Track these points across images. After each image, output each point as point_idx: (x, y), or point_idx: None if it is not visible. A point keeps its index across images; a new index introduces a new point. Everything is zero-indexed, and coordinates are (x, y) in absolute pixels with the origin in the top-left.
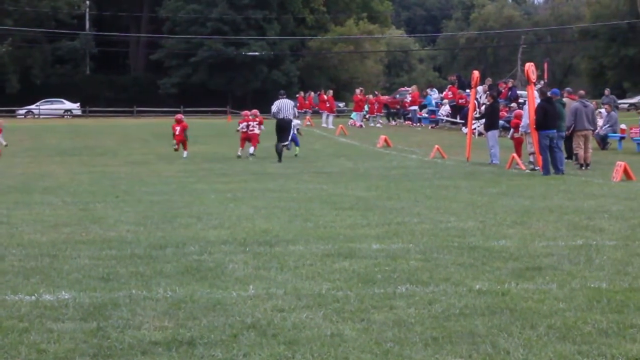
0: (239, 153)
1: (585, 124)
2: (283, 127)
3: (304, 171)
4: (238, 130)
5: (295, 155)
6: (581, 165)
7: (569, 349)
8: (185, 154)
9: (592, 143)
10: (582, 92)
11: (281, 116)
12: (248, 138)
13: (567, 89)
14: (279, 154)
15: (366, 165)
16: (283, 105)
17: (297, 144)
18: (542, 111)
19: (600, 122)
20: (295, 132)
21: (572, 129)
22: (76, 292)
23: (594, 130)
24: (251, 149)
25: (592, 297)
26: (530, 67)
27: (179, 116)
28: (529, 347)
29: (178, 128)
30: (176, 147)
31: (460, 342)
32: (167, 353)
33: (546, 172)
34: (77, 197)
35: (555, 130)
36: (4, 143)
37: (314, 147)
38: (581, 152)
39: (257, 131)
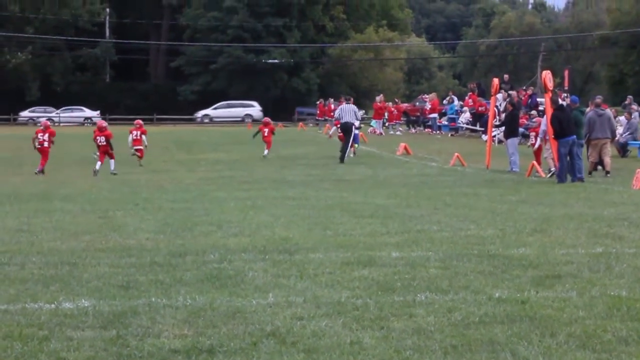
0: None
1: (598, 133)
2: (345, 130)
3: (324, 179)
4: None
5: (353, 153)
6: (590, 173)
7: (589, 357)
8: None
9: (612, 150)
10: (597, 100)
11: (344, 120)
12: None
13: (599, 97)
14: (342, 154)
15: (386, 173)
16: (345, 110)
17: (356, 142)
18: (556, 120)
19: (620, 129)
20: (357, 131)
21: (587, 137)
22: (96, 300)
23: (612, 138)
24: (265, 152)
25: (612, 305)
26: (547, 74)
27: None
28: (549, 355)
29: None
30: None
31: (479, 351)
32: None
33: (561, 179)
34: (97, 205)
35: (574, 137)
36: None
37: (334, 155)
38: (592, 160)
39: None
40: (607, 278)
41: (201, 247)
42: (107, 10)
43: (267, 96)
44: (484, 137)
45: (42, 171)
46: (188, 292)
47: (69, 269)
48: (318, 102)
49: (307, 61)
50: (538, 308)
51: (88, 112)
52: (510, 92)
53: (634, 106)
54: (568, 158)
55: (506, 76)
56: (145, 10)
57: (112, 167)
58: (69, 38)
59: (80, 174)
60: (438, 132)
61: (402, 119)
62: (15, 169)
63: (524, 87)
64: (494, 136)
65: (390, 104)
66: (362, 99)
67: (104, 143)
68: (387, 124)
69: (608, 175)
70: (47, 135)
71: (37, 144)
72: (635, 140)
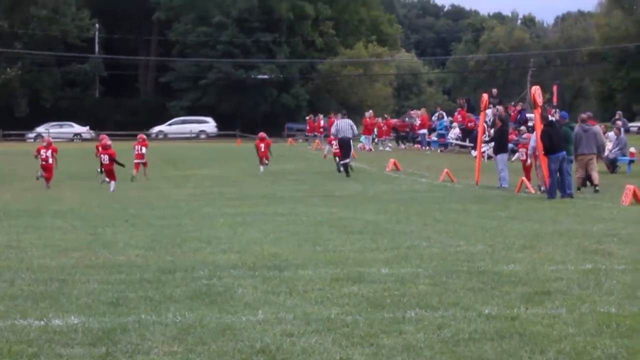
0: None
1: (584, 148)
2: (342, 145)
3: (313, 195)
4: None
5: (351, 168)
6: (578, 188)
7: None
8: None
9: (601, 166)
10: (583, 115)
11: (340, 135)
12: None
13: (588, 113)
14: (340, 167)
15: (375, 189)
16: (342, 125)
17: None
18: (546, 136)
19: (609, 145)
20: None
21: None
22: (85, 316)
23: (598, 154)
24: (261, 168)
25: (601, 322)
26: (536, 90)
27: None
28: None
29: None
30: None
31: None
32: None
33: (551, 195)
34: (87, 222)
35: (564, 153)
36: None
37: (323, 171)
38: (578, 175)
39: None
40: (597, 295)
41: (190, 263)
42: (97, 25)
43: (256, 112)
44: (474, 153)
45: (48, 187)
46: (177, 309)
47: (58, 286)
48: (308, 118)
49: (297, 77)
50: (528, 325)
51: (77, 128)
52: (497, 106)
53: (619, 122)
54: (558, 174)
55: (494, 90)
56: (134, 25)
57: (112, 188)
58: (58, 54)
59: (70, 191)
60: (427, 148)
61: (391, 134)
62: (5, 185)
63: (513, 103)
64: (484, 152)
65: (380, 119)
66: (352, 115)
67: (107, 162)
68: (376, 140)
69: (597, 189)
70: (49, 151)
71: (40, 160)
72: (624, 156)
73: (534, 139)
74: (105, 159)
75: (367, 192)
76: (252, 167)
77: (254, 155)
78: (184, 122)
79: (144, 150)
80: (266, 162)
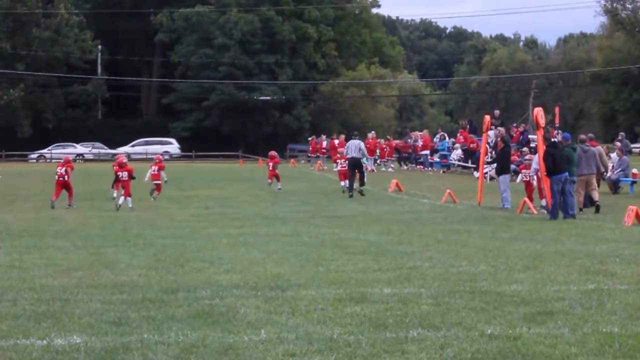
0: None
1: (583, 169)
2: (352, 165)
3: (316, 215)
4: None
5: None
6: (580, 209)
7: None
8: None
9: (603, 186)
10: (582, 136)
11: (350, 155)
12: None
13: (590, 135)
14: (348, 188)
15: (378, 210)
16: (351, 146)
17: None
18: (549, 157)
19: (611, 166)
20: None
21: None
22: (88, 336)
23: (601, 174)
24: (278, 185)
25: (604, 342)
26: (539, 112)
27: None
28: None
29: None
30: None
31: None
32: None
33: (553, 216)
34: (89, 242)
35: (566, 174)
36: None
37: (326, 191)
38: (579, 198)
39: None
40: (599, 315)
41: (193, 283)
42: (99, 47)
43: (258, 133)
44: (476, 174)
45: (71, 205)
46: (180, 329)
47: (60, 305)
48: (310, 139)
49: (299, 98)
50: (530, 345)
51: (80, 149)
52: (499, 127)
53: (618, 143)
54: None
55: (497, 112)
56: (137, 47)
57: (120, 202)
58: (61, 75)
59: (72, 211)
60: (430, 168)
61: (393, 155)
62: (7, 206)
63: (515, 124)
64: (486, 173)
65: (382, 140)
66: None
67: (126, 178)
68: (378, 161)
69: (598, 205)
70: (65, 169)
71: (57, 177)
72: (627, 177)
73: (536, 161)
74: (125, 175)
75: (370, 212)
76: (254, 188)
77: (256, 176)
78: (147, 143)
79: (162, 172)
80: (271, 181)
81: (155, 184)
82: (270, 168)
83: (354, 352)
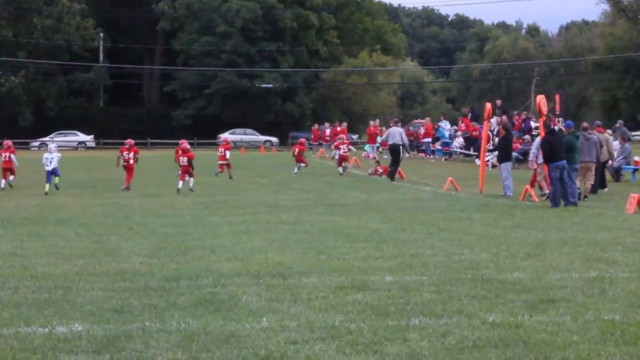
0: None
1: (585, 156)
2: (392, 151)
3: (318, 203)
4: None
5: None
6: (585, 196)
7: None
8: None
9: (607, 175)
10: (585, 124)
11: (390, 142)
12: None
13: (597, 122)
14: (341, 172)
15: (380, 198)
16: (391, 133)
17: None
18: (547, 144)
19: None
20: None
21: None
22: (89, 324)
23: (604, 163)
24: (296, 169)
25: (605, 330)
26: (541, 99)
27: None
28: None
29: (184, 158)
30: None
31: None
32: None
33: (554, 204)
34: (91, 229)
35: (564, 162)
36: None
37: (328, 179)
38: (587, 184)
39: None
40: (601, 302)
41: (195, 271)
42: (101, 34)
43: (260, 120)
44: (478, 162)
45: (128, 188)
46: (182, 317)
47: (62, 293)
48: (313, 127)
49: (301, 86)
50: (532, 332)
51: (82, 137)
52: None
53: (609, 131)
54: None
55: (499, 102)
56: (138, 35)
57: (191, 184)
58: (63, 62)
59: (74, 198)
60: (432, 156)
61: None
62: (9, 193)
63: (517, 112)
64: (488, 161)
65: (384, 128)
66: (356, 124)
67: (186, 163)
68: (380, 149)
69: (585, 200)
70: (132, 153)
71: (122, 161)
72: (628, 164)
73: (535, 146)
74: (184, 160)
75: (372, 200)
76: (255, 176)
77: (257, 164)
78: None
79: (227, 153)
80: (301, 165)
81: (224, 164)
82: (295, 153)
83: (356, 340)
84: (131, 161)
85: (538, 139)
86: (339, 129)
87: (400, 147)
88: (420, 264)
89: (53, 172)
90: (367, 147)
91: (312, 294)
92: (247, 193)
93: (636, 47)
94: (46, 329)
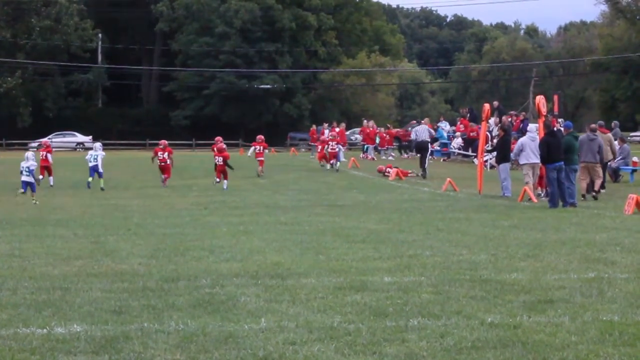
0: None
1: (586, 156)
2: (420, 148)
3: (316, 204)
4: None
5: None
6: (583, 195)
7: None
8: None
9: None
10: (592, 125)
11: (419, 139)
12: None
13: (600, 122)
14: (329, 166)
15: (378, 198)
16: (419, 130)
17: (339, 159)
18: (545, 145)
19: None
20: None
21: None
22: (88, 325)
23: (605, 164)
24: (328, 165)
25: (604, 330)
26: (540, 100)
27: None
28: None
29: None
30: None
31: None
32: None
33: (552, 205)
34: (89, 230)
35: (561, 163)
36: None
37: (326, 180)
38: (582, 184)
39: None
40: (600, 303)
41: (193, 272)
42: (100, 35)
43: (259, 121)
44: (476, 162)
45: (166, 185)
46: (180, 317)
47: (61, 294)
48: (312, 128)
49: (299, 86)
50: (530, 333)
51: (80, 137)
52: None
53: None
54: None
55: (496, 103)
56: (137, 35)
57: (225, 187)
58: (62, 63)
59: (73, 199)
60: (430, 157)
61: (394, 144)
62: (8, 194)
63: (515, 112)
64: (486, 161)
65: (382, 129)
66: (354, 124)
67: (221, 163)
68: (379, 150)
69: (594, 195)
70: (166, 153)
71: (158, 161)
72: (627, 165)
73: (517, 146)
74: (220, 160)
75: (370, 201)
76: (254, 177)
77: (256, 165)
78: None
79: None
80: (332, 162)
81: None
82: (319, 150)
83: (354, 341)
84: (168, 161)
85: (521, 139)
86: (337, 129)
87: (428, 143)
88: (418, 264)
89: (96, 170)
90: (367, 147)
91: (310, 294)
92: (246, 194)
93: (634, 47)
94: (45, 330)
